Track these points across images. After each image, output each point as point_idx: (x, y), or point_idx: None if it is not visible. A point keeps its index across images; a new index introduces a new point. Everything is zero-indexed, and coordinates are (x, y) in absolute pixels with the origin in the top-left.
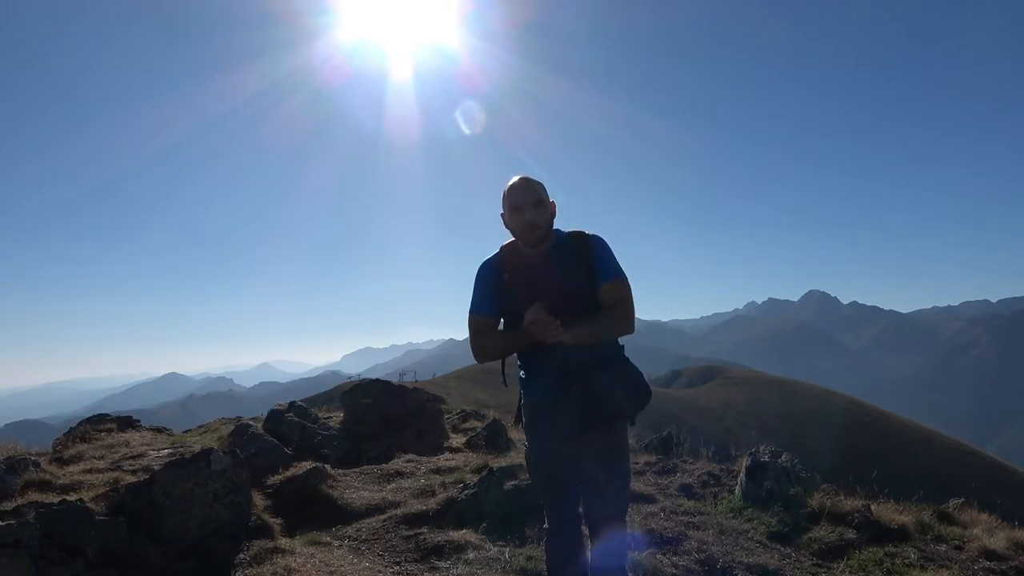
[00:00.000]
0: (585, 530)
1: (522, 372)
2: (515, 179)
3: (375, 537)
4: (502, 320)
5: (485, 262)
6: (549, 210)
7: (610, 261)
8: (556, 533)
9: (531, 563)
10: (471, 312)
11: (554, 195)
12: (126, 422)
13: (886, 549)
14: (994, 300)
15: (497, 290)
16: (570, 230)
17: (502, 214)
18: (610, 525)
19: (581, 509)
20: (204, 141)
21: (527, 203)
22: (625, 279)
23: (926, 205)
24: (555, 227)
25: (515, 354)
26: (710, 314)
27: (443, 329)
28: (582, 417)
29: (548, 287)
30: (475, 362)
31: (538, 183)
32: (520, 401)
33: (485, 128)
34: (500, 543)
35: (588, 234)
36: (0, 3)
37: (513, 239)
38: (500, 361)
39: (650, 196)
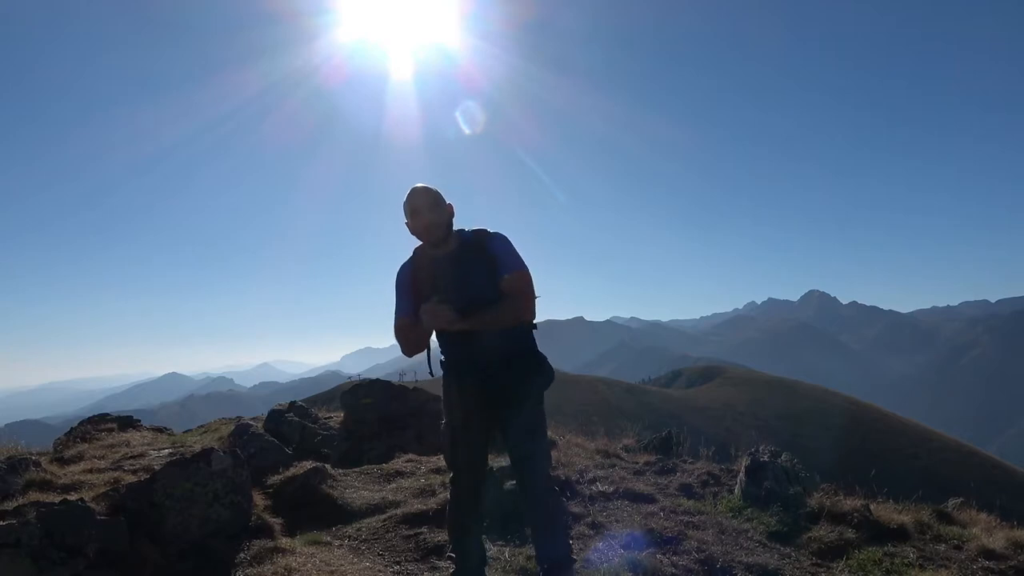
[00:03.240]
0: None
1: (442, 356)
2: (414, 186)
3: (375, 537)
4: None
5: (401, 267)
6: (447, 211)
7: (510, 255)
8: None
9: (531, 563)
10: (395, 316)
11: (554, 195)
12: (127, 422)
13: (885, 549)
14: (994, 300)
15: (412, 291)
16: (473, 228)
17: (406, 223)
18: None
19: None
20: (204, 141)
21: (423, 206)
22: (525, 270)
23: (926, 205)
24: (460, 228)
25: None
26: (710, 314)
27: None
28: (484, 403)
29: (451, 286)
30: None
31: (434, 189)
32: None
33: (485, 128)
34: (500, 542)
35: (489, 231)
36: (1, 4)
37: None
38: (426, 354)
39: (650, 196)
